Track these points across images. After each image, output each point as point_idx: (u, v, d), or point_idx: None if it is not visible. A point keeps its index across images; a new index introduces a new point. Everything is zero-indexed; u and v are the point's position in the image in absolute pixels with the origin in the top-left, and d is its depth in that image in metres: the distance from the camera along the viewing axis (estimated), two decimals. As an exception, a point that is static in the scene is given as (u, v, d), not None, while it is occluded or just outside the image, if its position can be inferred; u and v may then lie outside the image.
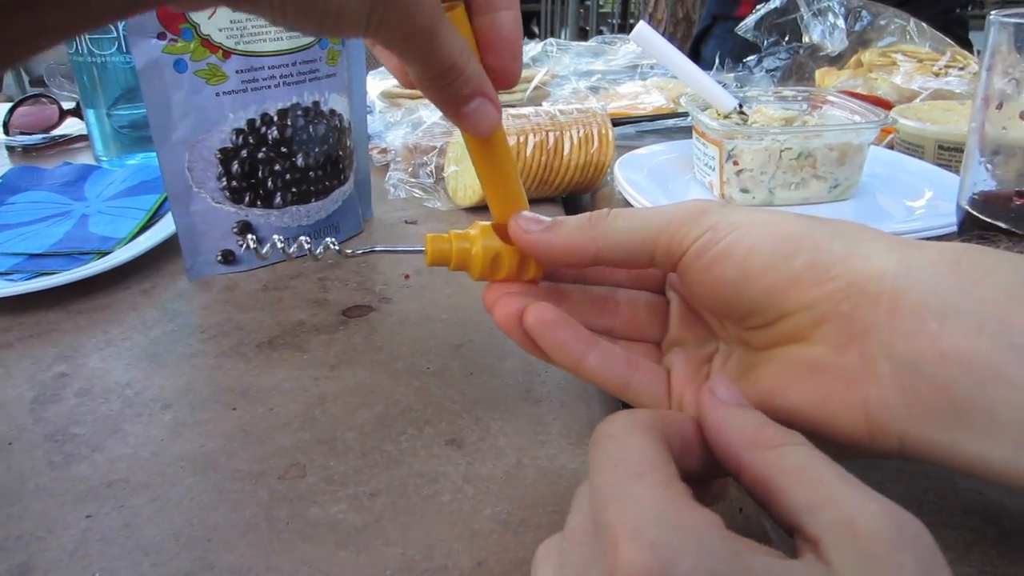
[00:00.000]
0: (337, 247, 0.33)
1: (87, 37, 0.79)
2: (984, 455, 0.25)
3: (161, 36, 0.54)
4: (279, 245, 0.33)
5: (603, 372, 0.34)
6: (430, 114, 0.87)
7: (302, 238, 0.33)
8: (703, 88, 0.77)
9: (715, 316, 0.35)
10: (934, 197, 0.67)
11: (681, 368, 0.35)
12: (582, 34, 4.82)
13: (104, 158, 0.88)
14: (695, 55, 1.77)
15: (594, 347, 0.34)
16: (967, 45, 1.41)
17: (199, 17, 0.55)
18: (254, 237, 0.33)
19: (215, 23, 0.56)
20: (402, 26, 0.28)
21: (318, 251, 0.33)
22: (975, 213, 0.37)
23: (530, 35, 7.25)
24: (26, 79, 4.45)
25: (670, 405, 0.34)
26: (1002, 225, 0.36)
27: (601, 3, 5.32)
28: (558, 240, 0.33)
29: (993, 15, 0.37)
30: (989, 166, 0.37)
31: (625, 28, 5.14)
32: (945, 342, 0.25)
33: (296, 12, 0.25)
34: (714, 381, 0.28)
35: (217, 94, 0.58)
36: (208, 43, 0.56)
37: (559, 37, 4.82)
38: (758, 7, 1.34)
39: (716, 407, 0.27)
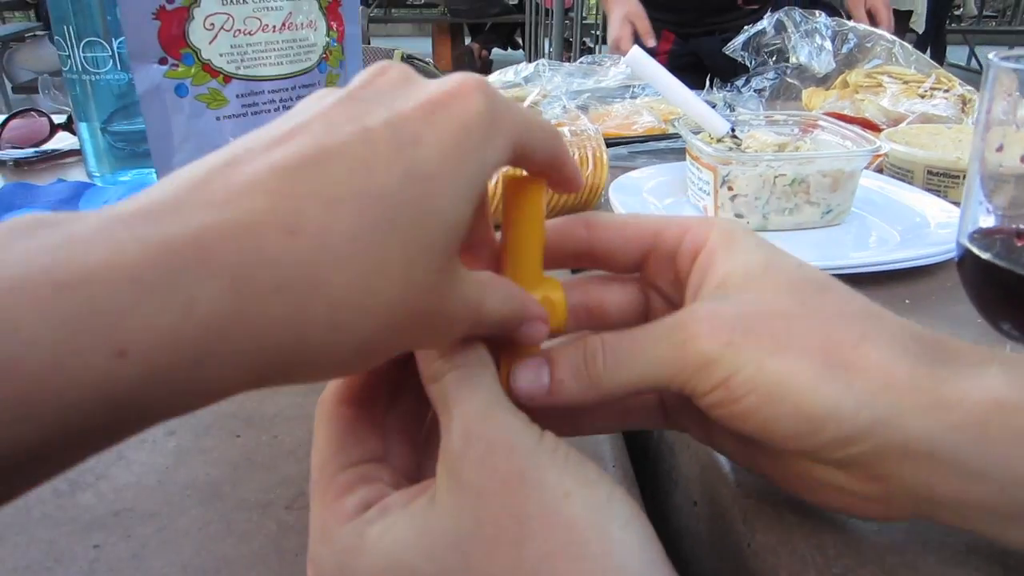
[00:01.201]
0: None
1: (82, 56, 0.79)
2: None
3: (163, 61, 0.55)
4: None
5: None
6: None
7: None
8: (696, 112, 0.78)
9: None
10: (924, 224, 0.69)
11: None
12: (566, 46, 4.84)
13: (96, 174, 0.88)
14: None
15: None
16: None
17: (200, 42, 0.55)
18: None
19: (216, 48, 0.56)
20: (445, 337, 0.27)
21: None
22: (975, 251, 0.38)
23: (515, 47, 7.27)
24: (9, 86, 4.43)
25: None
26: (1002, 264, 0.37)
27: (584, 15, 5.35)
28: (561, 404, 0.30)
29: (992, 56, 0.38)
30: (989, 206, 0.38)
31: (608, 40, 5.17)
32: (968, 497, 0.26)
33: (328, 371, 0.24)
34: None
35: (218, 118, 0.58)
36: (209, 68, 0.56)
37: (543, 48, 4.85)
38: (746, 26, 1.36)
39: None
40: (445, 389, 0.28)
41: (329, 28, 0.62)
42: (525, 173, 0.30)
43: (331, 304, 0.21)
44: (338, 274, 0.21)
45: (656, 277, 0.34)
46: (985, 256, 0.37)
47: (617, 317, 0.34)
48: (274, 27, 0.58)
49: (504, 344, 0.32)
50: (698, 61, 1.69)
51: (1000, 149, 0.37)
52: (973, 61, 6.34)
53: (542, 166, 0.29)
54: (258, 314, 0.19)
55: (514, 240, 0.31)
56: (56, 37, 0.79)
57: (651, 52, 1.73)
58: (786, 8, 1.29)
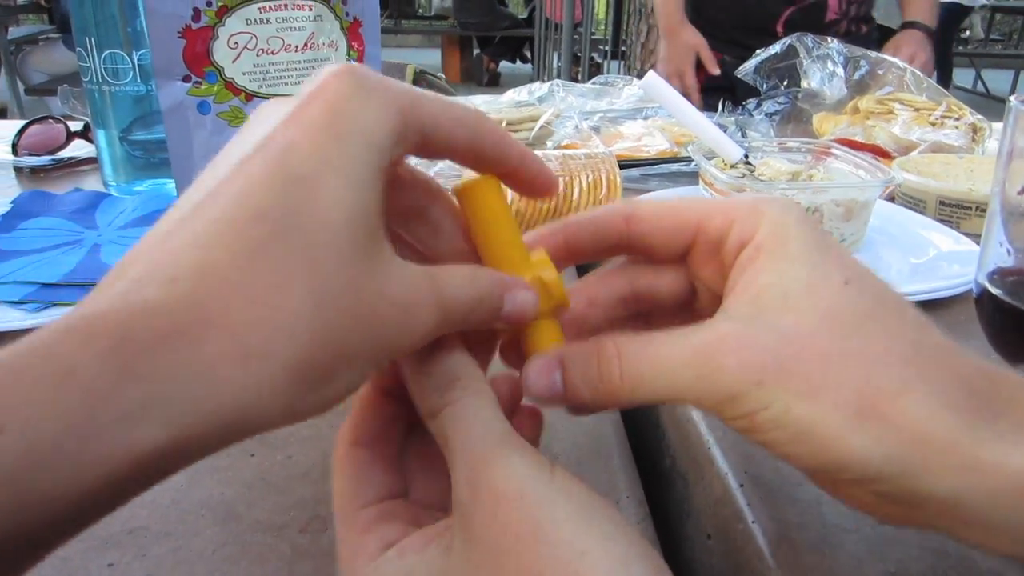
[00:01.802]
0: None
1: (103, 66, 0.79)
2: None
3: (186, 78, 0.55)
4: None
5: None
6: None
7: None
8: (710, 137, 0.78)
9: None
10: (938, 256, 0.69)
11: None
12: (575, 61, 4.85)
13: (112, 183, 0.88)
14: None
15: None
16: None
17: (224, 61, 0.56)
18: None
19: (239, 67, 0.57)
20: (416, 332, 0.25)
21: None
22: (993, 291, 0.38)
23: (523, 60, 7.30)
24: (21, 87, 4.45)
25: None
26: (1020, 306, 0.37)
27: (593, 31, 5.37)
28: (578, 407, 0.30)
29: (1013, 99, 0.38)
30: (1010, 247, 0.38)
31: (617, 55, 5.19)
32: (991, 543, 0.26)
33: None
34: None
35: (238, 135, 0.58)
36: (232, 86, 0.57)
37: (552, 63, 4.87)
38: (758, 51, 1.36)
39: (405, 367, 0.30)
40: (443, 427, 0.27)
41: (350, 48, 0.62)
42: (473, 175, 0.30)
43: (233, 333, 0.20)
44: (231, 302, 0.20)
45: (700, 268, 0.32)
46: (1004, 297, 0.37)
47: (669, 300, 0.33)
48: (296, 47, 0.59)
49: (525, 337, 0.32)
50: (731, 87, 1.69)
51: (1022, 192, 0.37)
52: (980, 85, 6.35)
53: (468, 145, 0.28)
54: (148, 366, 0.19)
55: (483, 238, 0.31)
56: (77, 48, 0.80)
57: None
58: (798, 33, 1.30)
